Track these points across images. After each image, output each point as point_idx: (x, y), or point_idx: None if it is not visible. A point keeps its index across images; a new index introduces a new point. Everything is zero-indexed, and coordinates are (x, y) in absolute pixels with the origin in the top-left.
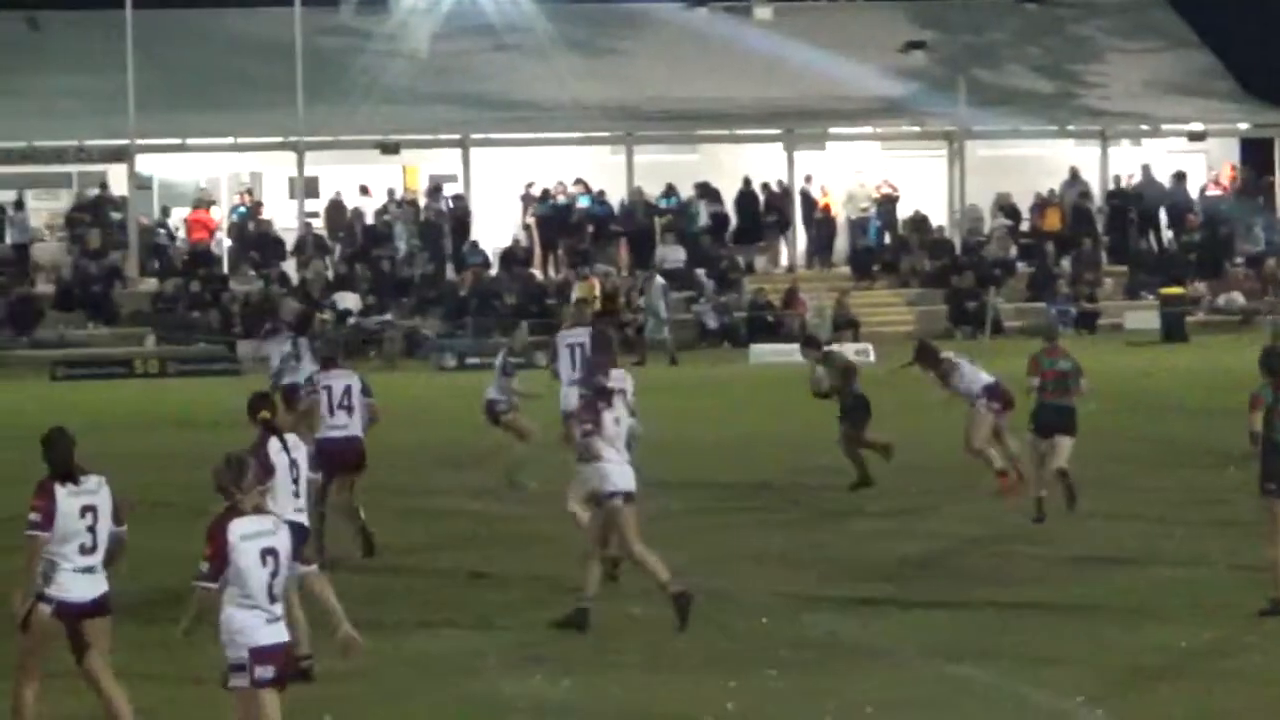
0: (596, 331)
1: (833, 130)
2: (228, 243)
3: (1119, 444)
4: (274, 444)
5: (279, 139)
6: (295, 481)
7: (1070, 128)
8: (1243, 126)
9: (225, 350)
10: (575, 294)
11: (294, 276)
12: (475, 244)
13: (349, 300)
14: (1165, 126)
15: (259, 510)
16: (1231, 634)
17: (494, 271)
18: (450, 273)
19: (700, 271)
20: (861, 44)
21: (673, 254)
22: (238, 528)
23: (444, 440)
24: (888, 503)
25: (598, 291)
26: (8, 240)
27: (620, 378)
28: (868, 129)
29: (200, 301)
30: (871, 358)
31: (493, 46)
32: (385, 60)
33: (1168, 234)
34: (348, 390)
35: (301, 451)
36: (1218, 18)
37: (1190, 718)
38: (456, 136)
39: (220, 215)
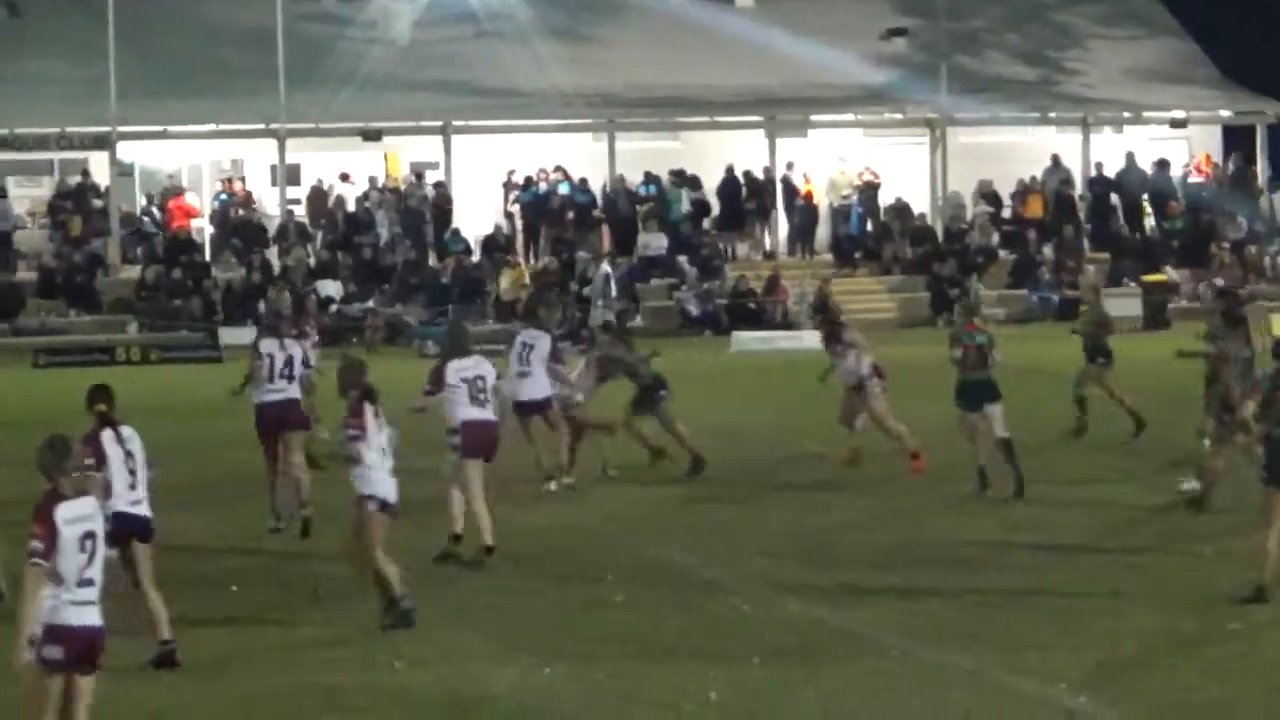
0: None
1: (814, 117)
2: (210, 230)
3: (1101, 429)
4: (108, 435)
5: (261, 126)
6: (132, 473)
7: (1052, 115)
8: (1224, 114)
9: (207, 338)
10: (503, 282)
11: (276, 264)
12: (457, 231)
13: (331, 288)
14: (1147, 114)
15: (80, 493)
16: (1216, 621)
17: (476, 259)
18: (432, 260)
19: (682, 259)
20: (843, 31)
21: (655, 241)
22: (63, 511)
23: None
24: (869, 490)
25: (525, 280)
26: None
27: (463, 368)
28: (849, 116)
29: (182, 289)
30: None
31: (474, 33)
32: (366, 47)
33: (1150, 221)
34: (290, 360)
35: (136, 443)
36: (1199, 5)
37: (1173, 705)
38: (438, 124)
39: (200, 202)
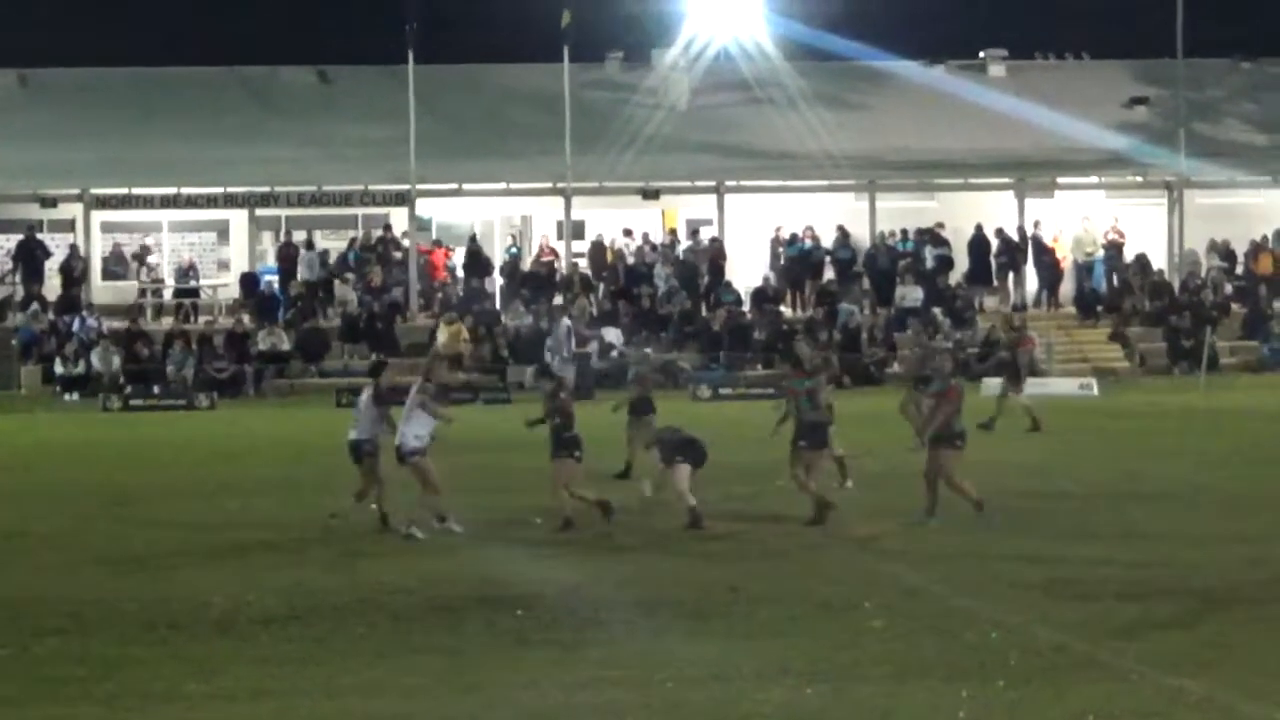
0: None
1: (1061, 179)
2: (500, 281)
3: None
4: None
5: (549, 185)
6: None
7: None
8: None
9: (497, 381)
10: (440, 337)
11: None
12: (729, 283)
13: (612, 334)
14: None
15: None
16: None
17: (745, 309)
18: (705, 310)
19: (936, 310)
20: (1088, 99)
21: (911, 293)
22: None
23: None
24: (1111, 525)
25: (464, 335)
26: (299, 277)
27: None
28: (1094, 179)
29: (475, 336)
30: (1094, 391)
31: (746, 100)
32: (647, 112)
33: None
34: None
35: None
36: None
37: None
38: (712, 183)
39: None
